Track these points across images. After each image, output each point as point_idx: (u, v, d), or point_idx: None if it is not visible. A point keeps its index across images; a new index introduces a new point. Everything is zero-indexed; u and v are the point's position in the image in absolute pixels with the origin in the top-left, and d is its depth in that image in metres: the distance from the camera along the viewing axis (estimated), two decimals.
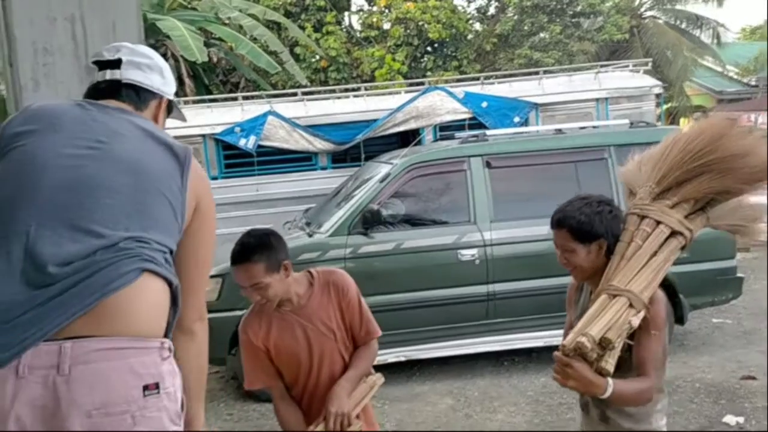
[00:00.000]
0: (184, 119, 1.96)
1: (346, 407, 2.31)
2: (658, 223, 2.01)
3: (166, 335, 1.55)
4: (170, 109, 1.84)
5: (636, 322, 1.87)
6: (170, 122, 1.90)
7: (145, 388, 1.43)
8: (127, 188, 1.54)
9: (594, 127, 6.22)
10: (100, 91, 1.70)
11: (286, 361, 2.41)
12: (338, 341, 2.42)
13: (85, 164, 1.53)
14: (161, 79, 1.77)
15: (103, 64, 1.72)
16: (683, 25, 18.29)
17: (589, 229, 2.04)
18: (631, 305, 1.88)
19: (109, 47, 1.76)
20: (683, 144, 2.09)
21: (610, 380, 1.85)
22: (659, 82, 8.26)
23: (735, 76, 21.17)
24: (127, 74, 1.71)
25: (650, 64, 8.56)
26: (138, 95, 1.72)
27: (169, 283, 1.56)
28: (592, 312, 1.89)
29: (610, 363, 1.83)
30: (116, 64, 1.71)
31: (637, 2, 18.34)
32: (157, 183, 1.57)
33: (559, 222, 2.11)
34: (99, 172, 1.53)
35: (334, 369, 2.42)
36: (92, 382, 1.39)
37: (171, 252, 1.58)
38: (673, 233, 2.02)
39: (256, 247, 2.26)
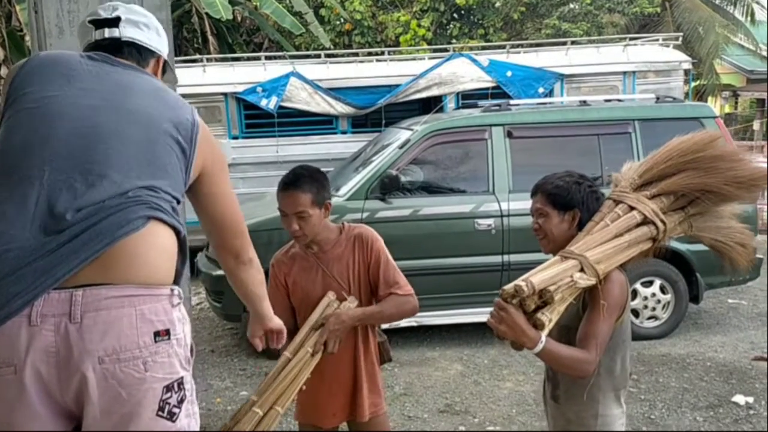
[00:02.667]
0: (176, 81, 2.00)
1: (343, 334, 2.36)
2: (632, 208, 2.02)
3: (175, 282, 1.57)
4: (164, 70, 1.85)
5: (581, 282, 1.84)
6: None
7: (156, 334, 1.46)
8: (138, 139, 1.56)
9: (619, 100, 6.11)
10: (102, 49, 1.69)
11: (300, 299, 2.48)
12: (351, 294, 2.45)
13: (99, 115, 1.55)
14: (158, 38, 1.79)
15: (99, 23, 1.71)
16: (717, 1, 17.80)
17: (565, 195, 2.06)
18: (582, 270, 1.87)
19: (105, 6, 1.75)
20: (673, 145, 2.11)
21: (544, 336, 1.82)
22: (689, 58, 8.09)
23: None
24: (126, 32, 1.71)
25: (681, 39, 8.36)
26: (140, 53, 1.73)
27: (177, 232, 1.58)
28: (540, 267, 1.89)
29: (546, 316, 1.81)
30: (114, 22, 1.71)
31: None
32: (165, 136, 1.59)
33: (537, 187, 2.14)
34: (112, 123, 1.55)
35: None
36: (104, 329, 1.40)
37: (178, 202, 1.60)
38: (646, 222, 2.01)
39: (308, 178, 2.34)
